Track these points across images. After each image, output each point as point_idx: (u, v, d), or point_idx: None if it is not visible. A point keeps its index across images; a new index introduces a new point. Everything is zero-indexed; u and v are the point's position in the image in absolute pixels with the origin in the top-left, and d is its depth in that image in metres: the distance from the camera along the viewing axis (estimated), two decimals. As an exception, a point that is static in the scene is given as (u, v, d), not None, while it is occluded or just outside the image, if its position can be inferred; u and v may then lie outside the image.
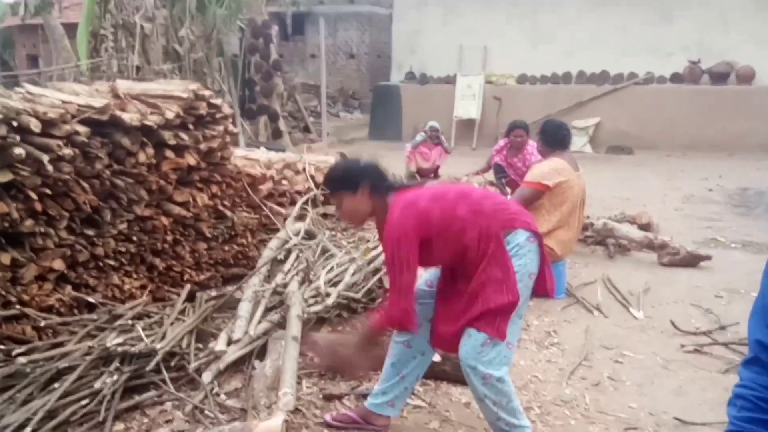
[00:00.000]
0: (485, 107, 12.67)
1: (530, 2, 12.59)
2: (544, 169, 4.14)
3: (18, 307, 2.94)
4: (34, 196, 2.94)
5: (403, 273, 2.18)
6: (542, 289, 2.35)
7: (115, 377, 2.71)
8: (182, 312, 3.44)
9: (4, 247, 2.92)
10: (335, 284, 3.78)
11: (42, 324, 2.98)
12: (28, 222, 2.95)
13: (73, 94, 3.41)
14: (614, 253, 5.22)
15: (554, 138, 4.25)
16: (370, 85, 17.00)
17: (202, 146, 3.93)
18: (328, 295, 3.61)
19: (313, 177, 5.78)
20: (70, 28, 11.87)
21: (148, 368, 2.82)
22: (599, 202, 6.78)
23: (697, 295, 4.31)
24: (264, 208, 4.77)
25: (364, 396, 2.69)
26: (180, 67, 10.60)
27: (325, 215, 5.72)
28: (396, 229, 2.20)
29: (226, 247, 4.30)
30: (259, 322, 3.28)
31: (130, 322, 3.15)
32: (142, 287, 3.65)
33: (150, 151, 3.58)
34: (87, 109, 3.25)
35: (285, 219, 4.96)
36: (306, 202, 5.44)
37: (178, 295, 3.68)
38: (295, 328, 3.08)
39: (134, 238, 3.58)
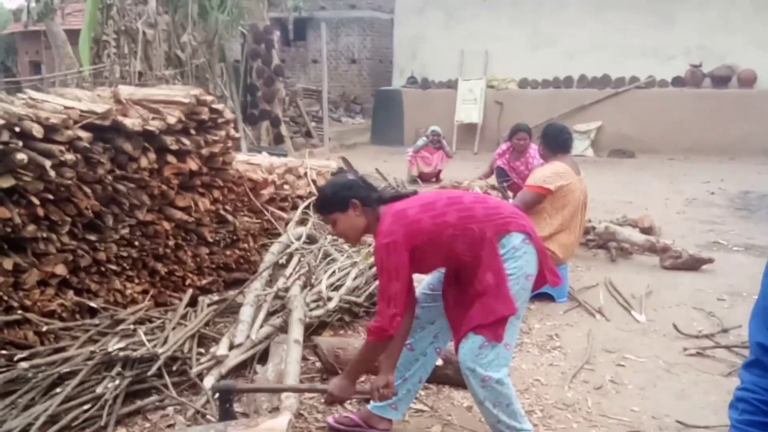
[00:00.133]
0: (487, 111, 12.68)
1: (531, 6, 12.61)
2: (545, 173, 4.15)
3: (20, 312, 2.94)
4: (36, 201, 2.96)
5: (392, 282, 2.19)
6: (545, 283, 2.38)
7: (117, 382, 2.72)
8: (184, 316, 3.45)
9: (6, 252, 2.92)
10: (337, 288, 3.79)
11: (44, 329, 2.98)
12: (31, 227, 2.96)
13: (76, 100, 3.43)
14: (616, 257, 5.22)
15: (556, 142, 4.26)
16: (371, 90, 17.01)
17: (204, 151, 3.93)
18: (329, 299, 3.62)
19: (314, 182, 5.78)
20: (73, 35, 11.89)
21: (149, 373, 2.82)
22: (601, 206, 6.79)
23: (700, 298, 4.31)
24: (266, 212, 4.78)
25: (367, 399, 2.69)
26: (182, 72, 10.61)
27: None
28: (385, 239, 2.22)
29: (228, 252, 4.30)
30: (261, 326, 3.29)
31: (131, 326, 3.16)
32: (144, 292, 3.66)
33: (152, 156, 3.59)
34: (89, 114, 3.26)
35: (287, 223, 4.96)
36: (307, 207, 5.44)
37: (180, 299, 3.69)
38: (297, 332, 3.09)
39: (136, 243, 3.58)
